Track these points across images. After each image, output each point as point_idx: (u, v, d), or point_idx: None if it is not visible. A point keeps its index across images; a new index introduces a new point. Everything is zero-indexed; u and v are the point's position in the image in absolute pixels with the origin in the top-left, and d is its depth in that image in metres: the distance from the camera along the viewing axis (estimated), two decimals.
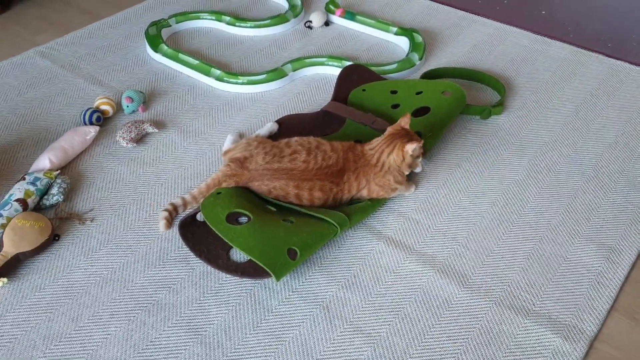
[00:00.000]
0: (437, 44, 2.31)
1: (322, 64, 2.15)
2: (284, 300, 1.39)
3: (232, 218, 1.46)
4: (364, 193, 1.59)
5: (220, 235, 1.41)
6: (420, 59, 2.18)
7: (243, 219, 1.49)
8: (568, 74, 2.15)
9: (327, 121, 1.86)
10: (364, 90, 1.96)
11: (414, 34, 2.27)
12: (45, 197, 1.59)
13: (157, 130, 1.85)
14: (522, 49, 2.28)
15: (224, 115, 1.95)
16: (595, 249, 1.52)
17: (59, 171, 1.66)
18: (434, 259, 1.49)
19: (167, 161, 1.77)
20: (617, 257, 1.50)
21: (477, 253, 1.51)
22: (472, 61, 2.21)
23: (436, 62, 2.21)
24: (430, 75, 2.10)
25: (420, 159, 1.65)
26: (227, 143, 1.78)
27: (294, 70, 2.12)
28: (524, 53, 2.26)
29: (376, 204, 1.60)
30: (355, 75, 2.01)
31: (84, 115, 1.85)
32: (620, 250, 1.52)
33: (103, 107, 1.89)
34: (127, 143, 1.79)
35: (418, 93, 1.92)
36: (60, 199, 1.60)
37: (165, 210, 1.54)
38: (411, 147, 1.56)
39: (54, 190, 1.60)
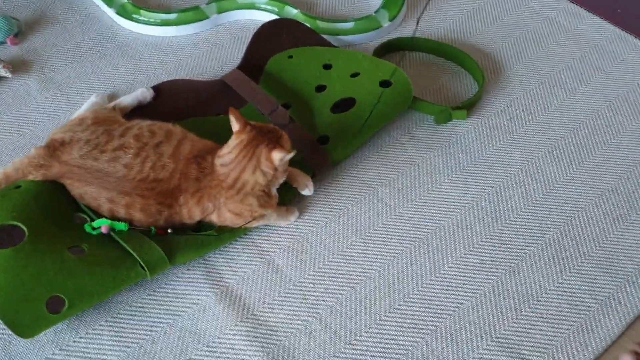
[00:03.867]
0: None
1: (257, 7, 1.60)
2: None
3: (2, 233, 1.03)
4: (214, 219, 1.12)
5: None
6: (392, 19, 1.58)
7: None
8: (600, 65, 1.51)
9: (225, 96, 1.36)
10: (290, 57, 1.42)
11: None
12: None
13: (10, 76, 1.41)
14: (544, 22, 1.63)
15: (108, 63, 1.48)
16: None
17: None
18: (279, 328, 1.04)
19: (13, 119, 1.34)
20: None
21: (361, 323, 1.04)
22: (465, 32, 1.60)
23: (412, 26, 1.60)
24: (391, 46, 1.52)
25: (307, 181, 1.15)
26: (85, 106, 1.33)
27: (220, 12, 1.59)
28: (544, 28, 1.61)
29: (227, 236, 1.13)
30: (285, 34, 1.47)
31: None
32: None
33: None
34: None
35: (354, 75, 1.36)
36: None
37: None
38: (278, 156, 1.06)
39: None
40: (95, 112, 1.22)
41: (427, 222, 1.20)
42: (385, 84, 1.33)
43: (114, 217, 1.08)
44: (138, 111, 1.31)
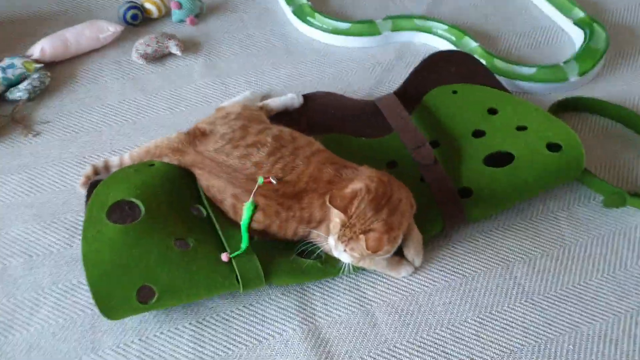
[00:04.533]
0: (626, 50, 1.45)
1: (434, 32, 1.48)
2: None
3: (122, 207, 1.03)
4: (321, 230, 1.01)
5: (84, 224, 1.01)
6: (582, 74, 1.37)
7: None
8: None
9: (372, 119, 1.27)
10: (454, 92, 1.28)
11: (596, 27, 1.44)
12: (11, 89, 1.34)
13: (179, 54, 1.45)
14: None
15: (271, 61, 1.45)
16: None
17: (42, 65, 1.38)
18: None
19: (170, 96, 1.37)
20: None
21: None
22: None
23: (604, 87, 1.38)
24: (572, 104, 1.32)
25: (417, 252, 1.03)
26: (236, 99, 1.31)
27: (394, 29, 1.49)
28: None
29: (331, 270, 1.03)
30: (456, 68, 1.33)
31: (121, 8, 1.51)
32: None
33: (147, 4, 1.52)
34: (138, 57, 1.43)
35: (520, 128, 1.19)
36: (24, 96, 1.32)
37: (93, 165, 1.17)
38: (370, 244, 0.94)
39: (23, 85, 1.33)
40: (242, 107, 1.19)
41: (563, 320, 1.00)
42: (553, 147, 1.14)
43: (235, 215, 1.04)
44: (283, 116, 1.26)
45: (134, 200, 1.01)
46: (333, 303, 1.02)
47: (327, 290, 1.03)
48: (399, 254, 1.05)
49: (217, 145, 1.07)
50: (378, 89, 1.38)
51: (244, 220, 0.99)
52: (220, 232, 1.02)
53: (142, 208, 1.01)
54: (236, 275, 0.98)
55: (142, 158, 1.13)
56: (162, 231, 0.99)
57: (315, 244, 1.02)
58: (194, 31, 1.52)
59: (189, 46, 1.48)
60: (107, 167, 1.16)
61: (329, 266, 1.02)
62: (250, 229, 1.01)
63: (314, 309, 1.01)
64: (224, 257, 0.99)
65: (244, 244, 0.99)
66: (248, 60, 1.46)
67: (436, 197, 1.08)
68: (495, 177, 1.12)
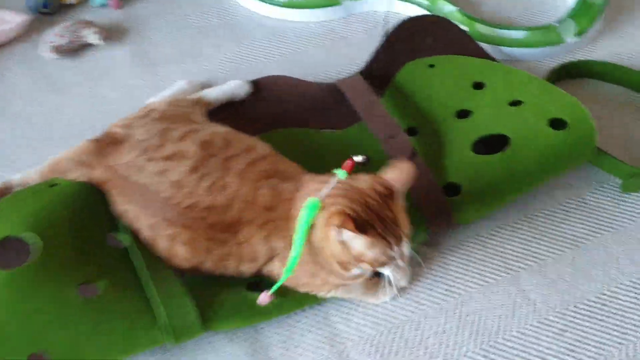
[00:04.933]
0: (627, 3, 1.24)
1: None
2: None
3: (8, 247, 0.79)
4: (275, 268, 0.80)
5: None
6: (580, 33, 1.15)
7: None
8: None
9: (335, 107, 1.04)
10: (431, 66, 1.06)
11: None
12: None
13: (102, 43, 1.20)
14: None
15: (212, 44, 1.22)
16: None
17: None
18: None
19: (89, 95, 1.13)
20: None
21: None
22: None
23: (607, 47, 1.16)
24: (574, 71, 1.10)
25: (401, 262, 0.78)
26: (168, 93, 1.08)
27: None
28: None
29: (291, 305, 0.81)
30: (432, 38, 1.10)
31: None
32: None
33: None
34: (49, 51, 1.18)
35: (514, 103, 0.97)
36: None
37: None
38: (346, 235, 0.71)
39: None
40: (169, 103, 0.96)
41: (588, 345, 0.79)
42: (557, 123, 0.93)
43: (155, 250, 0.81)
44: (227, 110, 1.03)
45: (24, 236, 0.78)
46: (296, 346, 0.79)
47: (287, 330, 0.81)
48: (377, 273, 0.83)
49: (128, 156, 0.84)
50: (343, 69, 1.15)
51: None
52: (143, 269, 0.79)
53: (36, 246, 0.77)
54: (165, 324, 0.75)
55: (47, 176, 0.89)
56: (61, 276, 0.75)
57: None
58: (118, 15, 1.28)
59: (113, 34, 1.23)
60: (7, 188, 0.92)
61: (289, 299, 0.80)
62: (176, 266, 0.79)
63: (270, 356, 0.78)
64: (264, 298, 0.77)
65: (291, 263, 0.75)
66: (184, 44, 1.22)
67: (416, 198, 0.86)
68: (488, 167, 0.90)
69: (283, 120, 1.03)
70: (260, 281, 0.80)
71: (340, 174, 0.75)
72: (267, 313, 0.79)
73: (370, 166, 0.94)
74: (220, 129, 0.88)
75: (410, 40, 1.09)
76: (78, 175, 0.86)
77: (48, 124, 1.07)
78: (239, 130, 0.90)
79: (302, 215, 0.72)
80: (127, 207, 0.82)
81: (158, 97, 1.06)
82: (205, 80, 1.14)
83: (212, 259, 0.79)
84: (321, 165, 0.94)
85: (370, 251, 0.72)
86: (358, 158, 0.75)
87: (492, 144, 0.93)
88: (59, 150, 0.94)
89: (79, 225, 0.81)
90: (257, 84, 1.06)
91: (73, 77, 1.16)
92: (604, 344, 0.79)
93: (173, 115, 0.91)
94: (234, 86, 1.05)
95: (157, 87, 1.12)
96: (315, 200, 0.72)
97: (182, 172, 0.80)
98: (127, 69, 1.17)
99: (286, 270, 0.74)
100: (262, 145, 0.87)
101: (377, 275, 0.81)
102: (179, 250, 0.79)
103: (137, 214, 0.81)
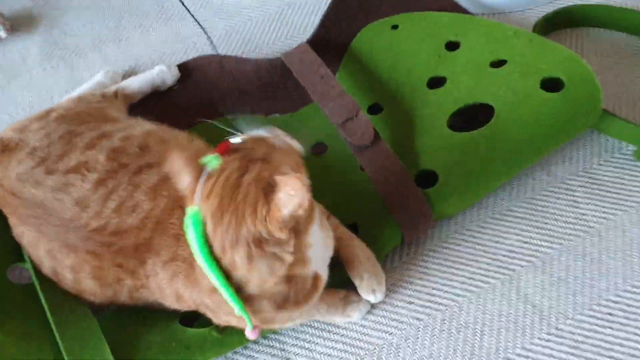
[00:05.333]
0: None
1: None
2: None
3: None
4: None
5: None
6: None
7: None
8: None
9: (279, 85, 0.87)
10: (394, 27, 0.88)
11: None
12: None
13: (4, 36, 1.02)
14: None
15: (134, 24, 1.03)
16: None
17: None
18: None
19: None
20: None
21: None
22: None
23: None
24: (566, 18, 0.92)
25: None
26: (85, 88, 0.90)
27: None
28: None
29: (235, 341, 0.64)
30: None
31: None
32: None
33: None
34: None
35: (495, 64, 0.79)
36: None
37: None
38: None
39: None
40: (76, 100, 0.78)
41: (613, 357, 0.62)
42: (552, 84, 0.75)
43: (58, 280, 0.64)
44: (154, 100, 0.86)
45: None
46: None
47: None
48: (346, 286, 0.66)
49: (21, 167, 0.66)
50: (291, 41, 0.97)
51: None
52: (47, 308, 0.62)
53: None
54: None
55: None
56: None
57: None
58: (26, 4, 1.09)
59: (21, 23, 1.05)
60: None
61: (229, 334, 0.63)
62: (87, 301, 0.61)
63: None
64: (251, 334, 0.58)
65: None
66: (105, 29, 1.03)
67: (383, 193, 0.69)
68: (470, 146, 0.72)
69: (221, 107, 0.86)
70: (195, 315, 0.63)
71: (212, 162, 0.55)
72: (206, 351, 0.62)
73: (331, 155, 0.78)
74: (138, 130, 0.70)
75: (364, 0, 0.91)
76: None
77: None
78: (169, 125, 0.73)
79: (191, 238, 0.54)
80: (23, 229, 0.65)
81: (75, 94, 0.88)
82: (130, 68, 0.96)
83: (125, 291, 0.62)
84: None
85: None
86: (236, 139, 0.56)
87: (472, 116, 0.75)
88: None
89: None
90: (185, 67, 0.89)
91: None
92: (635, 355, 0.62)
93: (79, 115, 0.73)
94: (156, 73, 0.87)
95: (74, 81, 0.95)
96: (194, 211, 0.54)
97: (86, 189, 0.63)
98: (38, 62, 0.99)
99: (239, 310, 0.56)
100: (192, 145, 0.70)
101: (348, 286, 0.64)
102: (85, 283, 0.63)
103: (34, 239, 0.64)
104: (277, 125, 0.82)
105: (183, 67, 0.89)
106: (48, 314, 0.63)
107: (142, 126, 0.71)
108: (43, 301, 0.64)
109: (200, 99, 0.87)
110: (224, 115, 0.84)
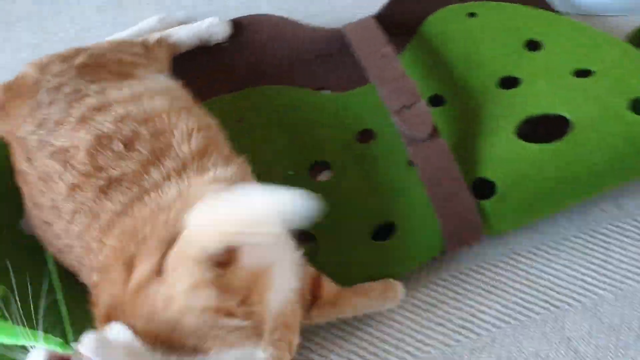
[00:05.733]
0: None
1: None
2: None
3: None
4: None
5: None
6: None
7: None
8: None
9: (339, 61, 0.80)
10: (471, 14, 0.79)
11: None
12: None
13: None
14: None
15: None
16: None
17: None
18: None
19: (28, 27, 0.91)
20: None
21: None
22: None
23: None
24: None
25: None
26: (130, 32, 0.84)
27: None
28: None
29: None
30: None
31: None
32: None
33: None
34: None
35: (581, 73, 0.70)
36: None
37: None
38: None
39: None
40: (109, 45, 0.70)
41: None
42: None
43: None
44: (199, 57, 0.80)
45: None
46: None
47: None
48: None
49: (26, 125, 0.58)
50: (358, 12, 0.88)
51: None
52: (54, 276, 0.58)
53: None
54: None
55: None
56: None
57: None
58: None
59: None
60: None
61: None
62: None
63: None
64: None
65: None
66: None
67: (431, 195, 0.62)
68: (539, 160, 0.64)
69: (268, 74, 0.80)
70: None
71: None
72: None
73: (378, 145, 0.71)
74: (143, 107, 0.58)
75: None
76: None
77: None
78: (210, 87, 0.67)
79: None
80: (30, 204, 0.59)
81: (119, 35, 0.83)
82: (183, 17, 0.90)
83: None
84: (310, 138, 0.72)
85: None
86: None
87: (545, 128, 0.67)
88: None
89: None
90: (239, 24, 0.82)
91: None
92: None
93: (100, 67, 0.63)
94: (206, 26, 0.80)
95: (121, 24, 0.89)
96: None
97: (59, 193, 0.53)
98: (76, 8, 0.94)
99: None
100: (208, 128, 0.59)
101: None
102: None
103: (36, 214, 0.57)
104: (326, 104, 0.76)
105: (237, 24, 0.82)
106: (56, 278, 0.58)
107: (152, 99, 0.59)
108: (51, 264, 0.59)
109: (247, 62, 0.80)
110: (271, 83, 0.78)
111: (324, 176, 0.70)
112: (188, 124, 0.56)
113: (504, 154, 0.64)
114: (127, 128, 0.54)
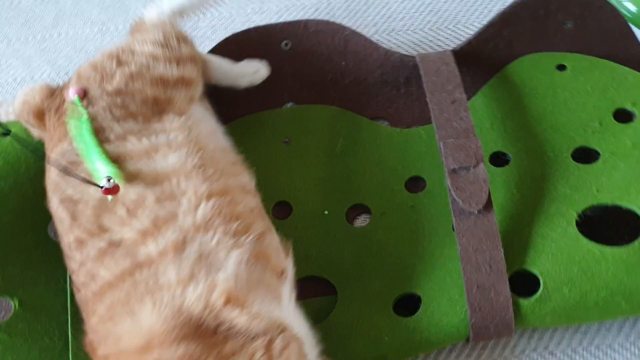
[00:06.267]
0: None
1: None
2: None
3: None
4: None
5: None
6: None
7: None
8: None
9: (404, 92, 0.73)
10: (561, 67, 0.71)
11: None
12: None
13: None
14: None
15: None
16: None
17: None
18: None
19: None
20: None
21: None
22: None
23: None
24: None
25: None
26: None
27: None
28: None
29: None
30: (573, 22, 0.73)
31: None
32: None
33: None
34: None
35: None
36: None
37: None
38: None
39: None
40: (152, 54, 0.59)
41: None
42: None
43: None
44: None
45: None
46: None
47: None
48: None
49: (65, 140, 0.54)
50: (435, 35, 0.81)
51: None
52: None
53: None
54: None
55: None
56: None
57: None
58: None
59: None
60: None
61: None
62: None
63: None
64: None
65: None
66: None
67: (466, 281, 0.56)
68: (597, 263, 0.57)
69: (324, 93, 0.73)
70: None
71: None
72: None
73: (427, 197, 0.65)
74: (163, 164, 0.51)
75: (540, 17, 0.73)
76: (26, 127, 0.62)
77: None
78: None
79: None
80: (55, 211, 0.55)
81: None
82: None
83: None
84: (356, 175, 0.67)
85: None
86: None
87: (616, 222, 0.59)
88: None
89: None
90: (305, 27, 0.75)
91: None
92: None
93: (134, 95, 0.55)
94: (250, 69, 0.69)
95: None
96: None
97: (69, 243, 0.51)
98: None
99: None
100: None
101: None
102: None
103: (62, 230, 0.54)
104: (381, 139, 0.69)
105: (303, 26, 0.76)
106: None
107: (166, 157, 0.51)
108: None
109: (308, 72, 0.75)
110: (319, 102, 0.72)
111: (360, 221, 0.66)
112: (198, 190, 0.50)
113: (558, 248, 0.57)
114: (134, 190, 0.49)
